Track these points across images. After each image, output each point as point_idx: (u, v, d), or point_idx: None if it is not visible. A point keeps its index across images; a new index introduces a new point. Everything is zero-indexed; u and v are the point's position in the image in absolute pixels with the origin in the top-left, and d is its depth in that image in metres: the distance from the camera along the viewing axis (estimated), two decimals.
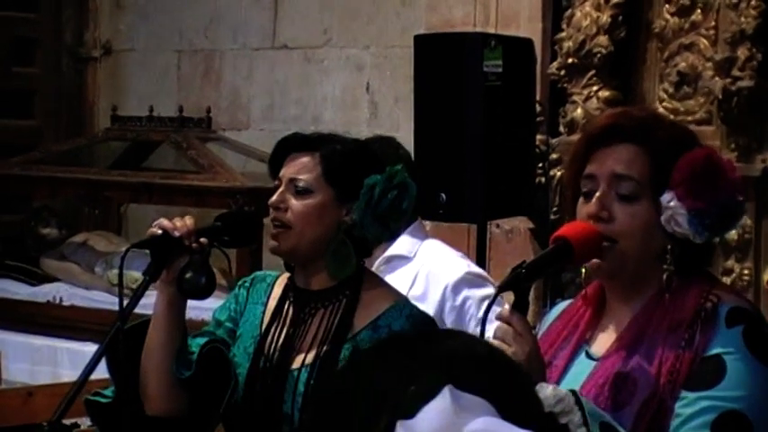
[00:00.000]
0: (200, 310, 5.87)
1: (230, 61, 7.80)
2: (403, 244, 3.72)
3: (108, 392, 2.67)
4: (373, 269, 3.69)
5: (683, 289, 2.17)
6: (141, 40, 8.17)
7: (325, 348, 2.65)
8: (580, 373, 2.21)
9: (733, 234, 5.71)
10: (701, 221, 2.13)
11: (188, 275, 2.59)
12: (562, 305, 2.40)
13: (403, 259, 3.72)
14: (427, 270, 3.68)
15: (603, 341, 2.23)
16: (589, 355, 2.23)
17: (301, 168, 2.70)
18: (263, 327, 2.74)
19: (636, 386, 2.13)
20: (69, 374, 5.60)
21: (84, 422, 4.91)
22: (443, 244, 3.86)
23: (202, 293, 2.62)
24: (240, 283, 2.85)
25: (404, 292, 3.64)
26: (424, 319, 2.72)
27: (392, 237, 2.78)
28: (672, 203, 2.14)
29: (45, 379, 5.98)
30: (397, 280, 3.68)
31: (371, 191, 2.66)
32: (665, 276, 2.18)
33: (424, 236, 3.88)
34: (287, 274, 2.80)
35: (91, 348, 2.58)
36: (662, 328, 2.15)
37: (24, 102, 8.19)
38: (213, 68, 7.88)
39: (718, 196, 2.14)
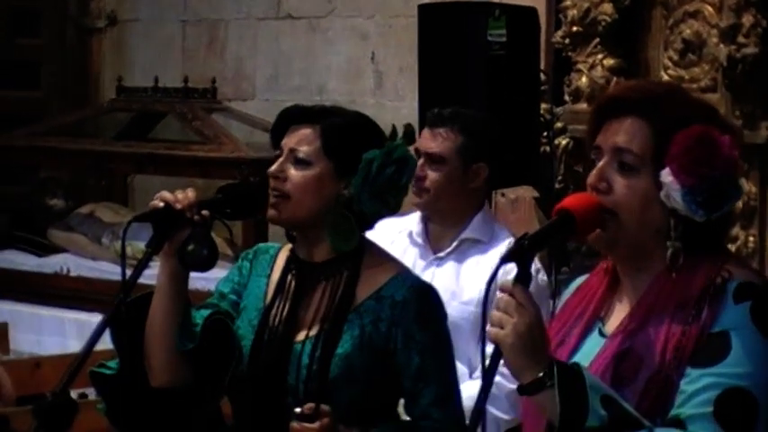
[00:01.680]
0: (207, 280, 5.89)
1: (235, 31, 7.79)
2: (476, 228, 3.71)
3: (112, 364, 2.69)
4: (448, 251, 3.69)
5: (692, 266, 2.16)
6: (145, 10, 8.16)
7: (329, 320, 2.66)
8: (591, 350, 2.21)
9: (738, 201, 5.71)
10: (693, 198, 2.12)
11: (190, 248, 2.60)
12: (578, 281, 2.39)
13: (477, 243, 3.72)
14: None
15: (616, 318, 2.23)
16: (601, 333, 2.24)
17: (302, 139, 2.71)
18: (267, 299, 2.75)
19: (641, 363, 2.12)
20: (76, 345, 5.62)
21: (93, 392, 4.93)
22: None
23: (204, 265, 2.63)
24: (243, 255, 2.86)
25: (483, 277, 3.62)
26: (426, 289, 2.73)
27: (393, 212, 2.78)
28: (668, 179, 2.14)
29: (52, 350, 6.01)
30: (473, 265, 3.67)
31: (369, 165, 2.66)
32: (669, 253, 2.17)
33: (495, 221, 3.88)
34: (289, 246, 2.81)
35: (98, 319, 2.60)
36: (670, 304, 2.14)
37: (29, 73, 8.19)
38: (218, 39, 7.87)
39: (711, 173, 2.12)
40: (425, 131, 3.67)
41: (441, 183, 3.66)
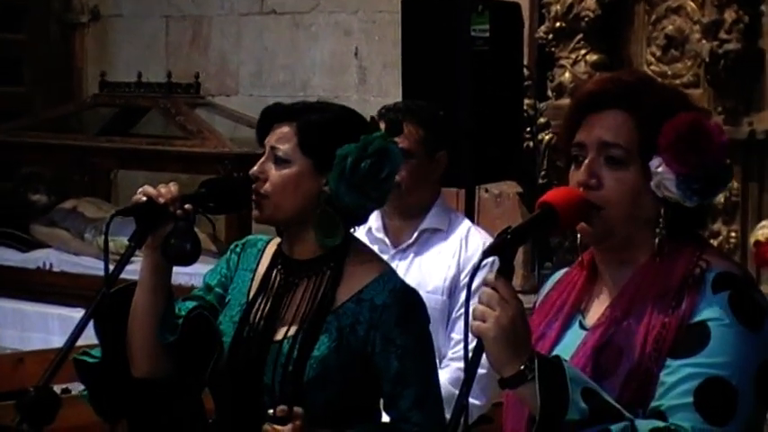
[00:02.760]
0: (190, 275, 5.89)
1: (218, 27, 7.79)
2: (434, 218, 3.74)
3: (95, 353, 2.69)
4: (408, 243, 3.71)
5: (672, 255, 2.17)
6: (129, 5, 8.15)
7: (307, 321, 2.65)
8: (572, 342, 2.21)
9: (720, 197, 5.73)
10: (688, 186, 2.13)
11: (173, 242, 2.60)
12: (558, 274, 2.40)
13: (437, 232, 3.74)
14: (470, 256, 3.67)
15: (596, 310, 2.23)
16: (582, 325, 2.24)
17: (280, 138, 2.70)
18: (251, 295, 2.74)
19: (622, 355, 2.12)
20: (59, 340, 5.60)
21: (76, 387, 4.93)
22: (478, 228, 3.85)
23: (187, 260, 2.62)
24: (232, 247, 2.85)
25: (446, 264, 3.67)
26: (408, 292, 2.70)
27: (378, 205, 2.78)
28: (660, 169, 2.14)
29: (35, 345, 6.00)
30: (435, 254, 3.70)
31: (344, 160, 2.64)
32: (656, 241, 2.17)
33: (451, 209, 3.91)
34: (276, 240, 2.80)
35: (81, 314, 2.59)
36: (650, 295, 2.15)
37: (12, 68, 8.17)
38: (201, 34, 7.86)
39: (704, 160, 2.13)
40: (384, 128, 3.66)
41: (411, 176, 3.69)
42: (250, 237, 2.88)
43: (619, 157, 2.17)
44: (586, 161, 2.19)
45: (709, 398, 2.07)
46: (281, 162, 2.68)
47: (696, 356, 2.08)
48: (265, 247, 2.81)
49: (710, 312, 2.11)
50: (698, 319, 2.11)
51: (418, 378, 2.65)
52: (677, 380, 2.08)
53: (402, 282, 2.75)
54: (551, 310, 2.30)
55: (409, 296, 2.69)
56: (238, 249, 2.82)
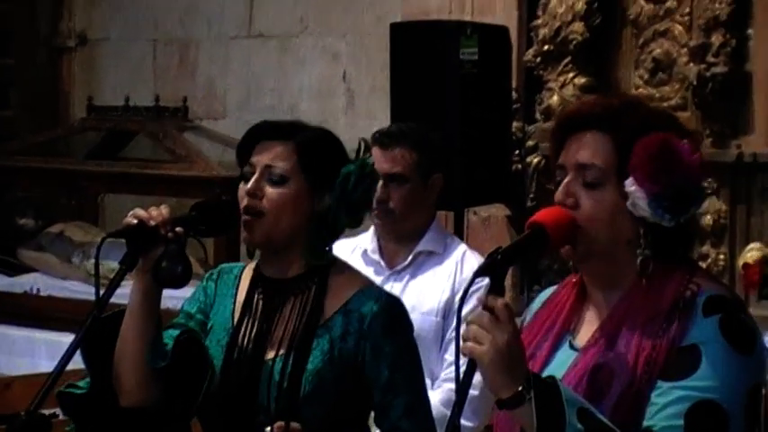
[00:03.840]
0: (178, 299, 5.87)
1: (206, 50, 7.79)
2: (430, 240, 3.74)
3: (82, 384, 2.66)
4: (403, 265, 3.71)
5: (662, 277, 2.17)
6: (116, 29, 8.15)
7: (297, 337, 2.65)
8: (562, 363, 2.22)
9: (708, 219, 5.74)
10: (659, 204, 2.14)
11: (164, 265, 2.59)
12: (546, 292, 2.40)
13: (432, 255, 3.74)
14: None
15: (586, 331, 2.24)
16: (572, 346, 2.24)
17: (276, 156, 2.69)
18: (235, 319, 2.74)
19: (613, 377, 2.12)
20: (47, 365, 5.59)
21: (63, 413, 4.90)
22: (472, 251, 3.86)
23: (179, 282, 2.61)
24: (207, 276, 2.84)
25: (441, 287, 3.68)
26: (393, 302, 2.73)
27: (357, 225, 2.80)
28: (633, 188, 2.16)
29: (23, 370, 5.96)
30: (431, 276, 3.70)
31: (347, 179, 2.67)
32: (638, 261, 2.18)
33: (447, 232, 3.92)
34: (252, 264, 2.80)
35: (68, 339, 2.57)
36: (641, 317, 2.15)
37: None
38: (189, 58, 7.86)
39: (674, 179, 2.14)
40: (377, 153, 3.64)
41: (406, 201, 3.69)
42: (223, 265, 2.89)
43: (595, 177, 2.18)
44: (565, 181, 2.20)
45: (700, 421, 2.07)
46: (278, 181, 2.67)
47: (687, 379, 2.09)
48: (241, 273, 2.81)
49: (701, 335, 2.11)
50: (689, 342, 2.11)
51: (408, 387, 2.67)
52: (668, 401, 2.08)
53: (386, 291, 2.79)
54: (541, 329, 2.30)
55: (394, 306, 2.71)
56: (214, 277, 2.83)
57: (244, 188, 2.69)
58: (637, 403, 2.11)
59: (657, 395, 2.09)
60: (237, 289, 2.78)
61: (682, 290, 2.16)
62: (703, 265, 5.70)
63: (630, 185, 2.16)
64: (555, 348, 2.26)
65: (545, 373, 2.19)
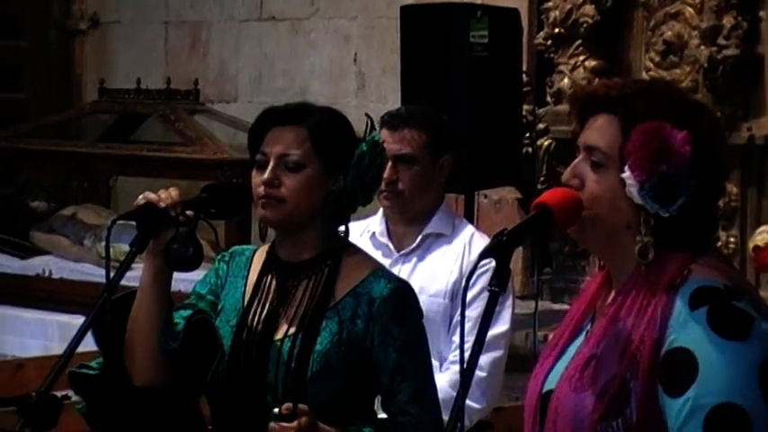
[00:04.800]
0: (190, 282, 5.88)
1: (217, 33, 7.80)
2: (438, 222, 3.75)
3: (94, 364, 2.68)
4: (411, 247, 3.73)
5: (661, 264, 2.16)
6: (128, 12, 8.16)
7: (307, 318, 2.67)
8: (573, 352, 2.21)
9: (719, 202, 5.74)
10: (646, 193, 2.13)
11: (174, 247, 2.59)
12: (588, 281, 2.39)
13: (440, 237, 3.75)
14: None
15: (599, 319, 2.24)
16: (587, 335, 2.24)
17: (290, 143, 2.70)
18: (245, 300, 2.75)
19: (600, 367, 2.10)
20: (59, 347, 5.62)
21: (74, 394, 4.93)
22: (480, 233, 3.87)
23: (189, 265, 2.62)
24: (219, 257, 2.85)
25: (449, 269, 3.69)
26: (403, 286, 2.74)
27: (369, 202, 2.82)
28: (626, 173, 2.16)
29: (35, 352, 6.00)
30: (439, 258, 3.72)
31: (362, 160, 2.69)
32: (637, 248, 2.17)
33: (455, 214, 3.93)
34: (264, 247, 2.81)
35: (80, 321, 2.58)
36: (636, 305, 2.14)
37: (12, 75, 8.18)
38: (200, 40, 7.87)
39: (660, 169, 2.13)
40: (386, 135, 3.65)
41: (415, 183, 3.69)
42: (236, 247, 2.90)
43: (599, 159, 2.18)
44: (574, 162, 2.20)
45: (720, 427, 2.01)
46: (295, 168, 2.69)
47: (691, 389, 2.03)
48: (253, 255, 2.82)
49: (691, 334, 2.06)
50: (679, 344, 2.06)
51: (415, 372, 2.68)
52: (682, 420, 2.03)
53: (396, 276, 2.80)
54: (568, 319, 2.29)
55: (404, 290, 2.73)
56: (227, 258, 2.84)
57: (259, 177, 2.70)
58: (620, 395, 2.07)
59: (670, 416, 2.04)
60: (249, 271, 2.80)
61: (675, 277, 2.13)
62: None
63: (626, 171, 2.16)
64: (574, 337, 2.26)
65: (559, 362, 2.19)
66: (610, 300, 2.22)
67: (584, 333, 2.24)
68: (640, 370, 2.07)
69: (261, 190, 2.69)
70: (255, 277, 2.77)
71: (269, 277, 2.76)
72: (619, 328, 2.13)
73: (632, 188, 2.14)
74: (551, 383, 2.17)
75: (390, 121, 3.71)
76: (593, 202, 2.18)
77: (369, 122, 2.79)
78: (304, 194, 2.68)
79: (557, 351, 2.24)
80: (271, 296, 2.73)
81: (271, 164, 2.69)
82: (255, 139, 2.76)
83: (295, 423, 2.53)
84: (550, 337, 2.32)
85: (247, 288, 2.77)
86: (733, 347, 2.05)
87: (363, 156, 2.70)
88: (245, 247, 2.89)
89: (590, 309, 2.26)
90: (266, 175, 2.68)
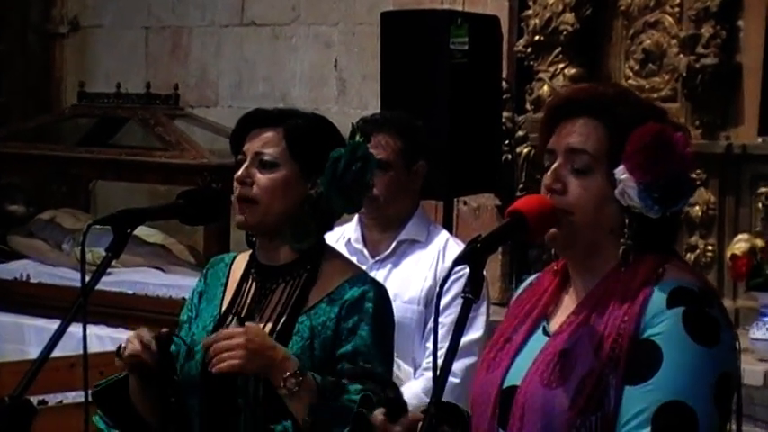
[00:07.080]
0: (166, 287, 5.88)
1: (198, 38, 7.79)
2: (413, 229, 3.75)
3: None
4: (386, 254, 3.73)
5: (636, 264, 2.18)
6: (108, 16, 8.14)
7: (281, 321, 2.67)
8: (534, 349, 2.22)
9: (697, 210, 5.76)
10: (649, 195, 2.14)
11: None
12: (532, 278, 2.41)
13: (415, 243, 3.76)
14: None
15: (560, 317, 2.24)
16: (545, 331, 2.25)
17: (266, 143, 2.72)
18: (224, 305, 2.76)
19: (576, 362, 2.12)
20: (36, 352, 5.57)
21: (52, 399, 4.91)
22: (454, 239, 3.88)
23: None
24: (200, 275, 2.90)
25: (423, 275, 3.69)
26: (378, 291, 2.74)
27: (356, 209, 2.81)
28: (623, 176, 2.16)
29: (11, 356, 5.96)
30: (413, 264, 3.72)
31: (336, 163, 2.69)
32: (620, 250, 2.18)
33: (430, 220, 3.93)
34: (245, 253, 2.82)
35: (57, 325, 2.59)
36: (610, 303, 2.15)
37: None
38: (181, 45, 7.86)
39: (666, 170, 2.15)
40: None
41: (390, 188, 3.70)
42: (213, 258, 2.93)
43: (585, 163, 2.19)
44: (554, 166, 2.21)
45: (667, 424, 2.05)
46: (268, 166, 2.70)
47: (649, 381, 2.06)
48: (233, 262, 2.83)
49: (662, 328, 2.09)
50: (649, 333, 2.09)
51: (373, 362, 2.66)
52: (635, 409, 2.06)
53: (373, 279, 2.80)
54: (519, 314, 2.31)
55: (379, 294, 2.73)
56: (205, 271, 2.87)
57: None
58: (599, 388, 2.09)
59: (625, 403, 2.08)
60: (228, 277, 2.81)
61: (650, 275, 2.15)
62: (692, 256, 5.72)
63: (622, 174, 2.16)
64: (530, 333, 2.27)
65: (518, 358, 2.20)
66: (575, 297, 2.23)
67: (540, 329, 2.25)
68: (620, 363, 2.09)
69: (236, 189, 2.71)
70: (236, 282, 2.79)
71: (249, 281, 2.77)
72: (592, 324, 2.15)
73: (630, 190, 2.15)
74: (514, 379, 2.18)
75: (364, 126, 3.72)
76: (579, 208, 2.19)
77: (352, 129, 2.80)
78: (276, 195, 2.69)
79: (513, 347, 2.24)
80: (249, 299, 2.75)
81: (246, 162, 2.71)
82: (238, 140, 2.78)
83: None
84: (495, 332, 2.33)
85: (226, 293, 2.78)
86: (699, 352, 2.08)
87: (339, 159, 2.70)
88: (223, 255, 2.90)
89: (544, 306, 2.27)
90: (239, 172, 2.70)
